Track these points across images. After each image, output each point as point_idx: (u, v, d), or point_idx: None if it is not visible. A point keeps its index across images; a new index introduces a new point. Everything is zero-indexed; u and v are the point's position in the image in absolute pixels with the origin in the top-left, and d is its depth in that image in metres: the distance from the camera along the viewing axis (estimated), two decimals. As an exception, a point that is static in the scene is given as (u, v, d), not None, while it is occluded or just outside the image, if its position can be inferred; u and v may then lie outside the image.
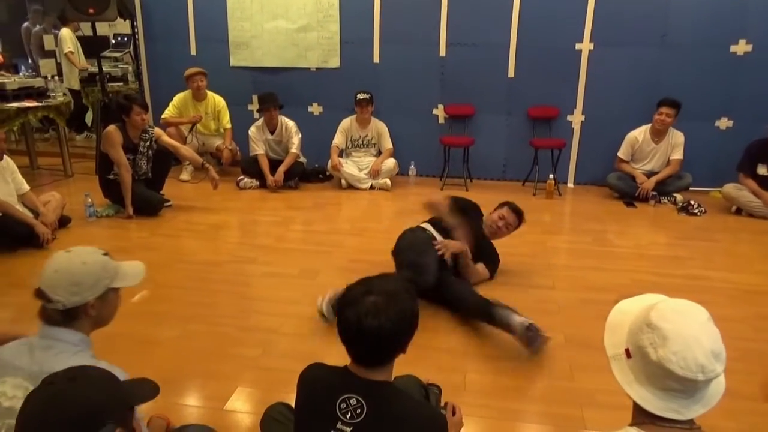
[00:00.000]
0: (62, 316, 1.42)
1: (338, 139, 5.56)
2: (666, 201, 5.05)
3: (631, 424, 1.15)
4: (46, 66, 6.70)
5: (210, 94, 5.72)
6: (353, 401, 1.32)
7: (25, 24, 8.13)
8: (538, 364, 2.55)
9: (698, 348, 1.06)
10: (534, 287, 3.32)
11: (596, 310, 3.02)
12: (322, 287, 3.30)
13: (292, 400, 2.05)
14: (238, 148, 5.86)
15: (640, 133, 5.16)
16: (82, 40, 7.13)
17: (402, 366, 1.48)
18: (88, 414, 0.96)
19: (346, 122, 5.59)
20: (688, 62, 5.18)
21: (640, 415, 1.14)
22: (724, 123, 5.30)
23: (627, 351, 1.14)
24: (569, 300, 3.16)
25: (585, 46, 5.32)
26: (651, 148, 5.14)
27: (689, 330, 1.08)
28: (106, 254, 1.52)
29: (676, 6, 5.09)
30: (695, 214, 4.74)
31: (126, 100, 4.45)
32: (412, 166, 5.85)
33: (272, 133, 5.52)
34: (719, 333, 1.11)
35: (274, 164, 5.44)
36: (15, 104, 5.11)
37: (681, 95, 5.00)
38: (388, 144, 5.59)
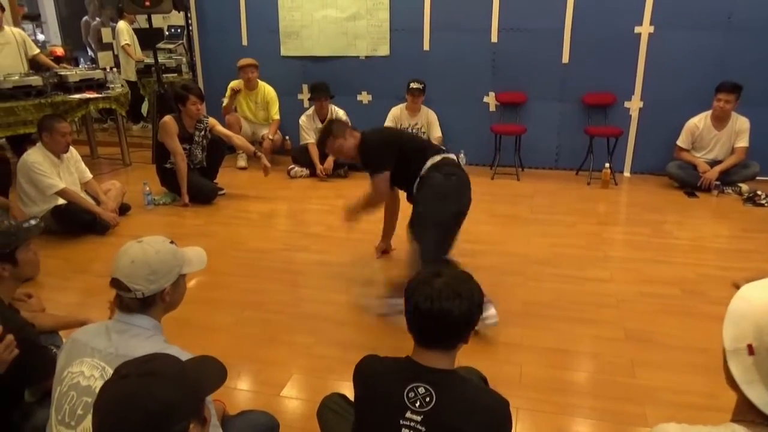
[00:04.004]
0: (139, 303, 1.47)
1: (388, 128, 5.54)
2: (730, 191, 4.81)
3: (735, 420, 1.04)
4: (105, 58, 6.92)
5: (261, 84, 5.79)
6: (421, 390, 1.32)
7: (85, 18, 8.41)
8: (597, 359, 2.49)
9: None
10: (590, 280, 3.23)
11: (658, 304, 2.93)
12: (373, 275, 3.33)
13: (345, 389, 2.07)
14: (288, 138, 5.93)
15: (700, 121, 4.92)
16: (138, 32, 7.33)
17: (457, 358, 1.47)
18: (165, 413, 0.97)
19: (396, 110, 5.57)
20: (755, 45, 4.90)
21: (750, 412, 1.01)
22: (794, 109, 5.01)
23: (750, 347, 1.00)
24: (628, 293, 3.06)
25: (644, 29, 5.11)
26: (713, 136, 4.90)
27: None
28: (172, 242, 1.56)
29: (743, -15, 4.84)
30: (762, 205, 4.50)
31: (183, 89, 4.55)
32: (462, 154, 5.76)
33: (322, 122, 5.54)
34: None
35: (324, 153, 5.47)
36: (77, 96, 5.29)
37: (747, 79, 4.74)
38: (437, 132, 5.53)
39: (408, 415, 1.30)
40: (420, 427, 1.29)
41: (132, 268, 1.45)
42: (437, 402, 1.30)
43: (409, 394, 1.31)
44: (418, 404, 1.30)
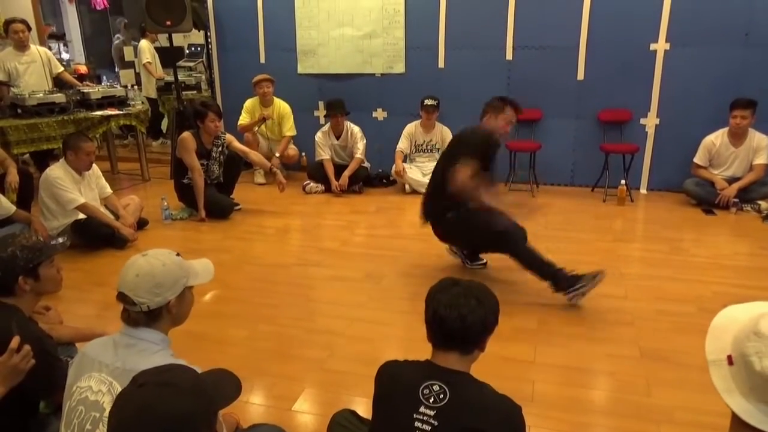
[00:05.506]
0: (145, 317, 1.48)
1: (403, 144, 5.58)
2: (749, 208, 4.75)
3: None
4: (126, 76, 7.09)
5: (277, 100, 5.86)
6: (436, 387, 1.38)
7: (116, 41, 8.63)
8: (611, 377, 2.46)
9: None
10: (605, 297, 3.19)
11: (674, 322, 2.90)
12: (386, 291, 3.34)
13: (358, 404, 2.08)
14: (303, 154, 6.01)
15: (717, 138, 4.88)
16: (159, 50, 7.50)
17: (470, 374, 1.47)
18: (180, 424, 0.98)
19: (411, 127, 5.60)
20: (774, 62, 4.88)
21: (741, 427, 1.04)
22: (814, 126, 4.95)
23: (729, 358, 1.05)
24: (644, 311, 3.02)
25: (660, 46, 5.10)
26: (730, 153, 4.86)
27: None
28: (178, 255, 1.57)
29: (761, 2, 4.80)
30: (782, 223, 4.44)
31: (203, 106, 4.63)
32: (477, 171, 5.78)
33: (338, 138, 5.60)
34: None
35: (339, 169, 5.52)
36: (99, 112, 5.40)
37: (765, 97, 4.71)
38: (452, 149, 5.55)
39: (421, 409, 1.36)
40: (432, 421, 1.34)
41: (137, 281, 1.46)
42: (450, 399, 1.35)
43: (424, 391, 1.38)
44: (432, 400, 1.36)
